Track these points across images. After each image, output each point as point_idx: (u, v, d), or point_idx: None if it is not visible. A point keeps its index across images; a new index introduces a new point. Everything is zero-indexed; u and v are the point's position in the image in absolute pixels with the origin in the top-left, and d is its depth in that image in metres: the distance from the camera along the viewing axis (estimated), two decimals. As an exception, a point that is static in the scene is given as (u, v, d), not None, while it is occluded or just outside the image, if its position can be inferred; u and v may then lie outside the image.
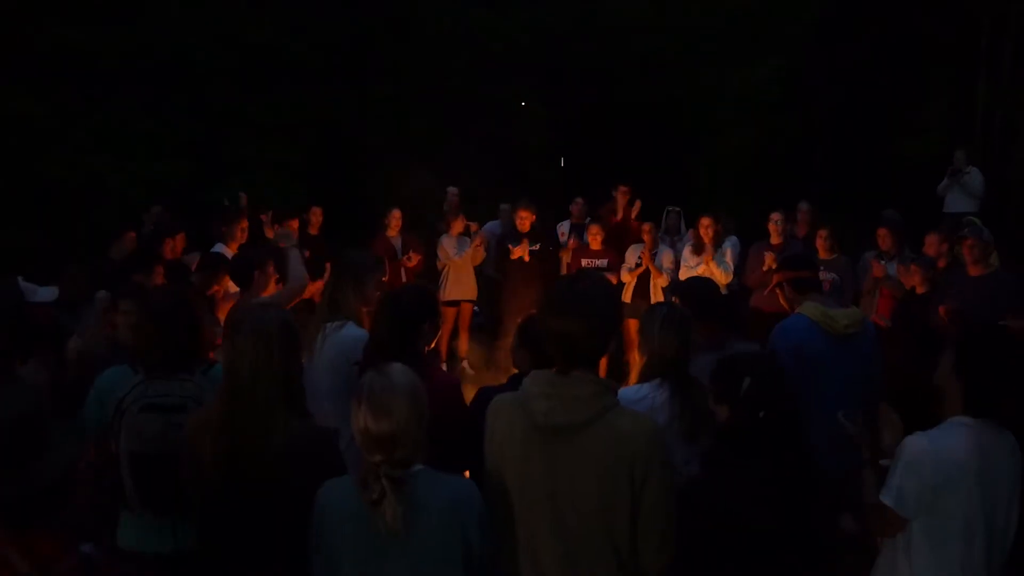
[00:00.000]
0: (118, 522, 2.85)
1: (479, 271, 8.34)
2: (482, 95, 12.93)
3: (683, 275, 7.12)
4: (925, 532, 2.46)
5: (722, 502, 2.30)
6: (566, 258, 7.95)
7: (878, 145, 12.35)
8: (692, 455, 3.00)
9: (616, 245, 7.83)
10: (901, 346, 5.51)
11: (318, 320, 3.56)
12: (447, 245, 7.96)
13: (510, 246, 7.63)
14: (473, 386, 4.16)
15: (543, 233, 7.87)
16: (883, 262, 6.75)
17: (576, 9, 13.85)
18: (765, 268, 6.74)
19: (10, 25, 9.11)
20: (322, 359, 3.40)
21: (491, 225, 9.00)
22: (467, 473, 2.88)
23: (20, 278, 3.88)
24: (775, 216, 7.18)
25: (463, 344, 8.17)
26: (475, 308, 8.38)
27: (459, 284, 7.99)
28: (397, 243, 7.88)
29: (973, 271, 5.53)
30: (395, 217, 7.91)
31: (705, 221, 7.22)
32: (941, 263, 6.35)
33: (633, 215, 8.51)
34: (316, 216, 7.98)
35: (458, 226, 8.00)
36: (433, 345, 3.33)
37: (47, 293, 3.93)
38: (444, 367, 7.82)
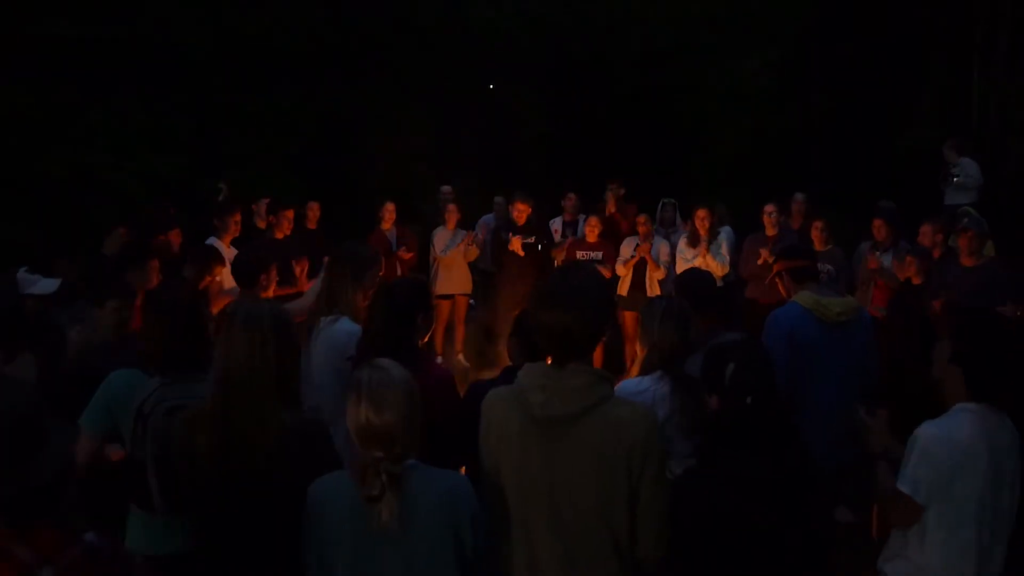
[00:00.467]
0: (123, 524, 2.83)
1: (474, 265, 8.34)
2: (478, 89, 12.91)
3: (679, 267, 7.12)
4: (939, 518, 2.51)
5: (714, 493, 2.29)
6: (560, 256, 7.92)
7: (873, 137, 12.35)
8: (693, 449, 3.00)
9: (611, 238, 7.82)
10: (897, 337, 5.52)
11: (314, 314, 3.55)
12: (437, 241, 7.95)
13: (510, 235, 7.61)
14: (470, 378, 4.17)
15: (539, 226, 7.86)
16: (878, 253, 6.76)
17: (572, 3, 13.81)
18: (760, 262, 6.76)
19: (5, 20, 9.05)
20: (315, 353, 3.39)
21: (486, 218, 9.00)
22: (463, 469, 2.88)
23: (24, 269, 3.84)
24: (769, 208, 7.19)
25: (459, 337, 8.17)
26: (471, 301, 8.38)
27: (451, 278, 7.99)
28: (392, 236, 7.87)
29: (966, 261, 5.56)
30: (389, 210, 7.90)
31: (701, 213, 7.23)
32: (936, 253, 6.37)
33: (628, 219, 8.51)
34: (313, 211, 7.95)
35: (453, 219, 7.99)
36: (427, 338, 3.32)
37: (47, 285, 3.88)
38: (440, 360, 7.83)
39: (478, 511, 2.15)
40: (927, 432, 2.51)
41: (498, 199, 8.94)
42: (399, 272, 7.45)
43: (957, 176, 8.64)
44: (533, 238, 7.64)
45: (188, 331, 2.84)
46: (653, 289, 7.32)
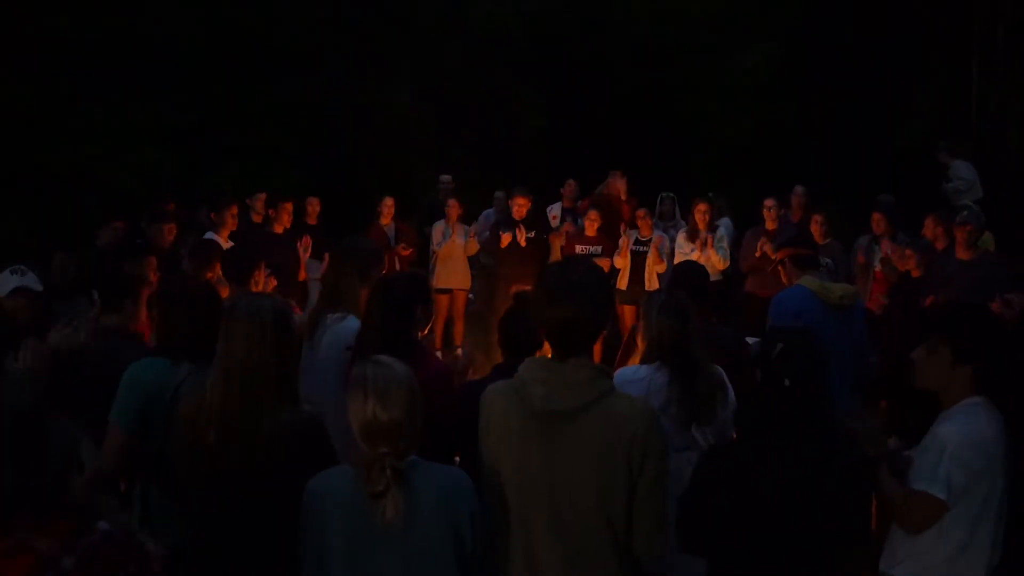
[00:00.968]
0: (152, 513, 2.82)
1: (474, 259, 8.34)
2: (478, 85, 12.89)
3: (677, 261, 7.11)
4: (958, 518, 2.45)
5: (743, 465, 2.34)
6: (558, 242, 7.93)
7: (871, 132, 12.35)
8: (689, 441, 3.00)
9: (610, 232, 7.82)
10: (896, 330, 5.52)
11: (318, 309, 3.53)
12: (434, 233, 7.98)
13: (501, 232, 7.61)
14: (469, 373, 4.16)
15: (538, 220, 7.85)
16: (876, 247, 6.79)
17: None
18: (759, 254, 6.77)
19: (3, 15, 9.03)
20: (321, 350, 3.36)
21: (486, 213, 9.00)
22: (456, 457, 2.89)
23: (8, 270, 3.80)
24: (769, 202, 7.21)
25: (458, 332, 8.17)
26: (470, 296, 8.38)
27: (450, 272, 7.99)
28: (390, 231, 7.87)
29: (963, 255, 5.57)
30: (388, 205, 7.89)
31: (701, 207, 7.23)
32: (939, 245, 6.36)
33: (622, 195, 8.51)
34: (313, 206, 7.93)
35: (454, 213, 7.98)
36: (426, 332, 3.32)
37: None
38: (439, 355, 7.83)
39: (478, 509, 2.14)
40: (955, 433, 2.43)
41: (498, 194, 8.95)
42: (398, 267, 7.45)
43: (950, 182, 8.64)
44: (534, 233, 7.64)
45: (211, 320, 2.82)
46: (652, 283, 7.32)
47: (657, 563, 2.21)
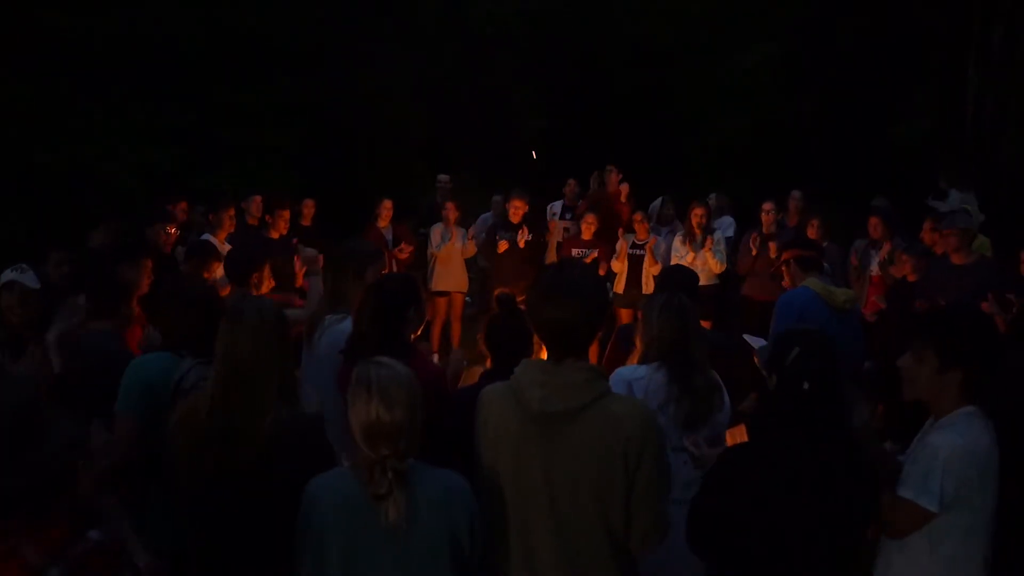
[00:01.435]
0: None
1: (472, 262, 8.34)
2: (476, 82, 12.89)
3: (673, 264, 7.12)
4: (953, 528, 2.41)
5: (759, 471, 2.34)
6: (556, 237, 7.93)
7: (870, 132, 12.36)
8: (687, 441, 3.00)
9: (606, 236, 7.82)
10: (892, 335, 5.52)
11: (318, 313, 3.53)
12: (433, 236, 7.96)
13: (497, 237, 7.61)
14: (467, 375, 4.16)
15: (535, 222, 7.86)
16: (873, 251, 6.79)
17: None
18: (755, 254, 6.79)
19: (2, 13, 9.02)
20: (320, 352, 3.37)
21: (485, 216, 9.00)
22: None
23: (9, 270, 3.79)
24: (767, 206, 7.21)
25: (455, 334, 8.16)
26: (467, 298, 8.38)
27: (448, 275, 7.98)
28: (388, 234, 7.86)
29: (957, 260, 5.55)
30: (386, 207, 7.88)
31: (698, 211, 7.22)
32: (938, 250, 6.35)
33: (623, 197, 8.52)
34: (308, 208, 7.93)
35: (452, 216, 7.98)
36: (419, 334, 3.31)
37: None
38: (436, 358, 7.82)
39: (476, 512, 2.15)
40: (949, 443, 2.37)
41: (496, 198, 8.96)
42: (395, 270, 7.44)
43: (942, 206, 8.66)
44: (531, 235, 7.63)
45: (210, 320, 2.86)
46: (649, 286, 7.31)
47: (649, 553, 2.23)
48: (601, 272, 7.33)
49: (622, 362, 3.38)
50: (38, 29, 9.20)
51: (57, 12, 9.29)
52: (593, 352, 3.01)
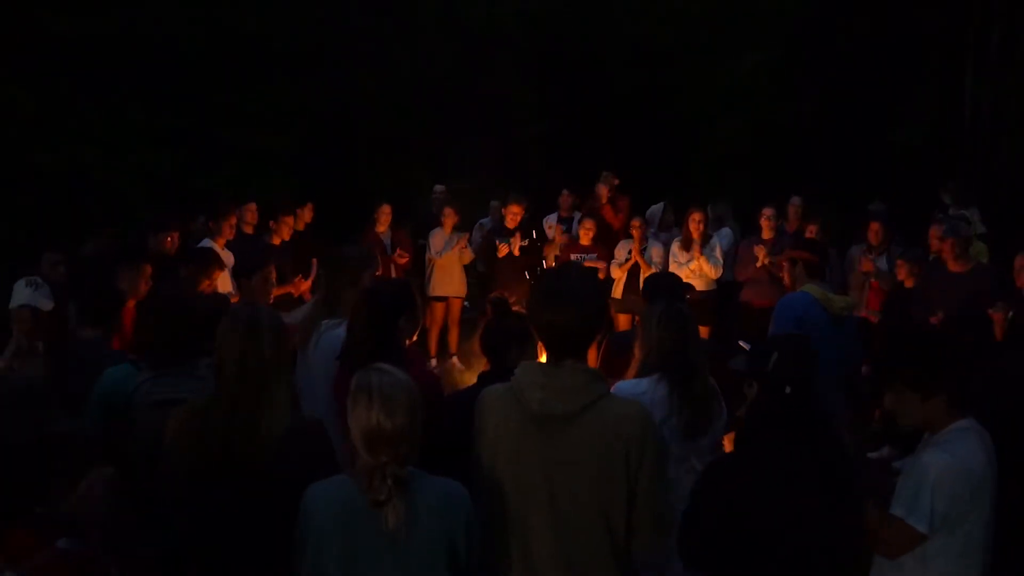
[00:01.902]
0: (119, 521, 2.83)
1: (471, 267, 8.34)
2: (475, 85, 12.89)
3: (671, 270, 7.12)
4: (946, 546, 2.38)
5: (748, 477, 2.33)
6: (552, 252, 7.94)
7: (867, 136, 12.38)
8: (690, 451, 3.01)
9: (605, 241, 7.83)
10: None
11: (313, 318, 3.53)
12: (433, 241, 7.95)
13: (497, 242, 7.62)
14: (465, 380, 4.17)
15: (532, 227, 7.87)
16: (872, 256, 6.80)
17: (569, 2, 13.81)
18: (759, 264, 6.79)
19: (1, 15, 9.03)
20: (316, 358, 3.36)
21: (483, 221, 9.00)
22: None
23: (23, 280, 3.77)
24: (767, 211, 7.21)
25: (453, 340, 8.17)
26: (465, 303, 8.38)
27: (446, 280, 7.99)
28: (386, 239, 7.86)
29: (955, 267, 5.56)
30: (384, 212, 7.88)
31: (696, 216, 7.21)
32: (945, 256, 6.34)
33: (620, 213, 8.50)
34: (306, 212, 7.91)
35: (450, 221, 7.99)
36: (415, 339, 3.33)
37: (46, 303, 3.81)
38: (434, 363, 7.83)
39: (474, 519, 2.16)
40: (940, 462, 2.35)
41: (494, 203, 8.97)
42: (393, 275, 7.45)
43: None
44: (527, 241, 7.65)
45: (177, 327, 2.91)
46: (647, 291, 7.31)
47: (655, 566, 2.23)
48: (600, 277, 7.34)
49: (612, 371, 3.39)
50: (37, 31, 9.21)
51: (57, 14, 9.29)
52: (592, 356, 3.02)
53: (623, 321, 7.28)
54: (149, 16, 10.03)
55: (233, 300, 5.37)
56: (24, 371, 3.27)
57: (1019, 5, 11.48)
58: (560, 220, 8.55)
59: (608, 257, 7.64)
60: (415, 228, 8.57)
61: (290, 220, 7.08)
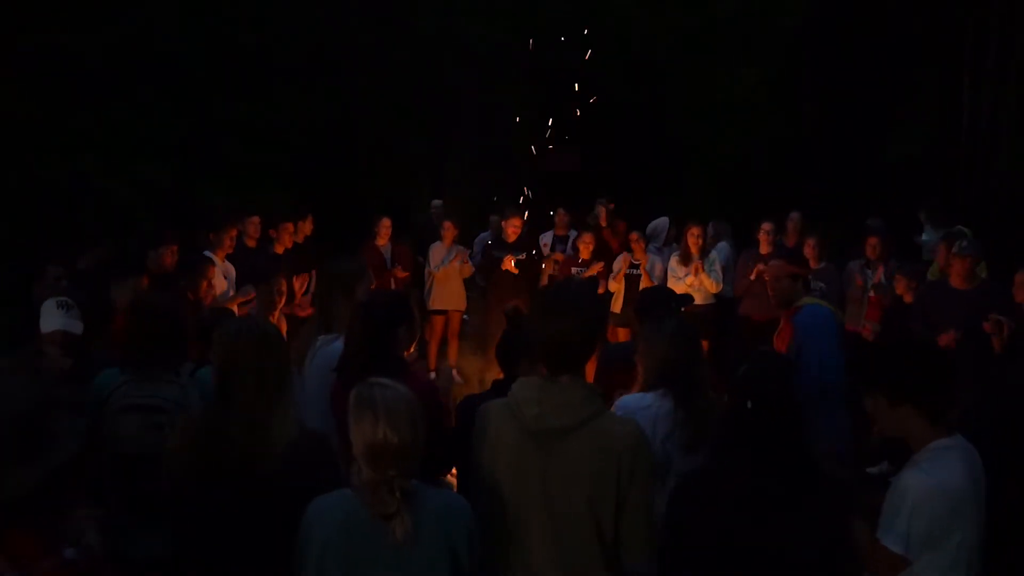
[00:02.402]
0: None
1: (470, 281, 8.34)
2: (474, 103, 12.94)
3: (672, 286, 7.13)
4: (932, 567, 2.36)
5: (708, 495, 2.33)
6: (548, 269, 7.94)
7: (865, 149, 12.44)
8: (692, 465, 3.01)
9: (601, 256, 7.84)
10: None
11: (310, 332, 3.54)
12: (432, 255, 7.97)
13: (494, 254, 7.62)
14: (464, 392, 4.18)
15: (531, 241, 7.88)
16: (869, 272, 6.83)
17: (567, 18, 13.87)
18: (753, 277, 6.80)
19: (-1, 27, 9.07)
20: (311, 373, 3.36)
21: (482, 236, 9.01)
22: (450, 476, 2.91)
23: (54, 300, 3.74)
24: (766, 226, 7.23)
25: (452, 353, 8.17)
26: (464, 317, 8.39)
27: (446, 293, 8.00)
28: (386, 252, 7.86)
29: (958, 284, 5.47)
30: (384, 226, 7.89)
31: (694, 231, 7.23)
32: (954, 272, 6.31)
33: (617, 237, 8.50)
34: (306, 225, 7.91)
35: (450, 235, 8.00)
36: (412, 350, 3.34)
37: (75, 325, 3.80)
38: (433, 375, 7.82)
39: (475, 529, 2.17)
40: (917, 483, 2.33)
41: (493, 218, 8.99)
42: (394, 288, 7.46)
43: (920, 240, 8.88)
44: (524, 255, 7.66)
45: (156, 332, 2.96)
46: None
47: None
48: (599, 291, 7.35)
49: (609, 382, 3.39)
50: (36, 44, 9.25)
51: (57, 26, 9.33)
52: (589, 369, 3.04)
53: (623, 335, 7.28)
54: (149, 28, 10.08)
55: (239, 311, 5.45)
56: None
57: (1015, 18, 11.56)
58: (556, 239, 8.55)
59: (607, 271, 7.65)
60: (415, 242, 8.58)
61: (290, 227, 7.08)
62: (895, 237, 7.65)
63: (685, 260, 7.26)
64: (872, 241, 6.97)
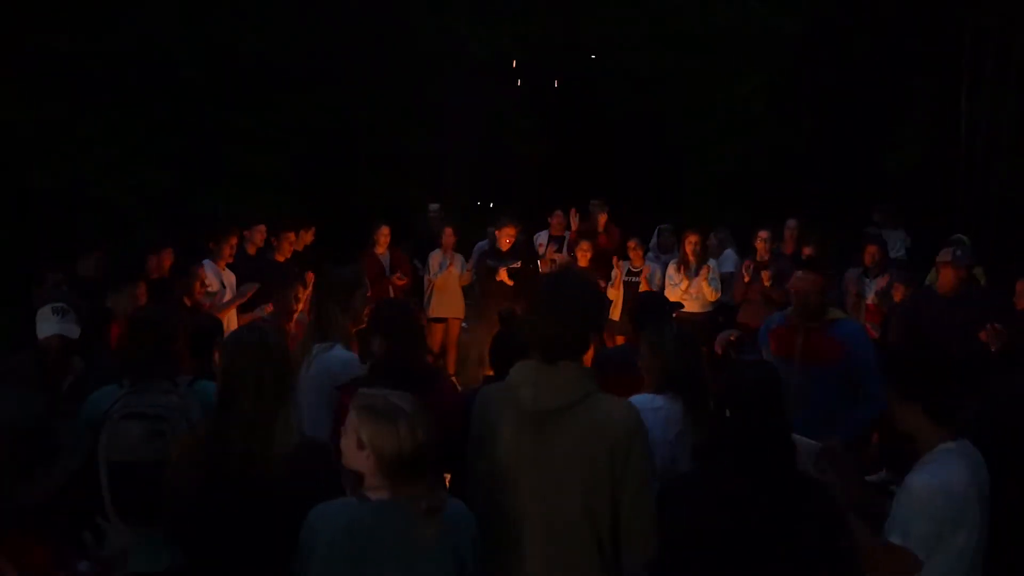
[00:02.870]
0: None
1: (469, 288, 8.35)
2: (473, 110, 12.96)
3: (669, 293, 7.14)
4: (934, 569, 2.38)
5: (687, 502, 2.37)
6: (545, 268, 7.94)
7: (861, 160, 12.47)
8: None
9: (601, 264, 7.83)
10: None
11: (307, 341, 3.54)
12: (431, 262, 7.97)
13: (489, 263, 7.62)
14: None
15: (524, 250, 7.87)
16: (866, 279, 6.85)
17: (566, 28, 13.92)
18: (747, 280, 6.81)
19: (-1, 33, 9.10)
20: (307, 383, 3.35)
21: (481, 244, 9.01)
22: (447, 477, 2.93)
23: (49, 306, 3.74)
24: (763, 234, 7.24)
25: (451, 360, 8.15)
26: (463, 324, 8.38)
27: (446, 301, 7.99)
28: (385, 260, 7.86)
29: (945, 290, 5.45)
30: (383, 234, 7.89)
31: (692, 238, 7.23)
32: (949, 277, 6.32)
33: (609, 237, 8.51)
34: (308, 235, 7.90)
35: (449, 242, 8.00)
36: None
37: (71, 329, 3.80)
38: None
39: (476, 534, 2.19)
40: (921, 482, 2.39)
41: (490, 229, 8.99)
42: (393, 296, 7.46)
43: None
44: (519, 263, 7.65)
45: (152, 342, 2.99)
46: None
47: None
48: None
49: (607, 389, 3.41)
50: (35, 51, 9.27)
51: (56, 33, 9.36)
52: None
53: (620, 343, 7.27)
54: (148, 36, 10.10)
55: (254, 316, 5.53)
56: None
57: (1012, 29, 11.61)
58: (551, 239, 8.57)
59: (605, 278, 7.65)
60: (413, 248, 8.57)
61: (291, 236, 7.09)
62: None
63: (683, 268, 7.25)
64: (871, 249, 6.99)
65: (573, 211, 8.65)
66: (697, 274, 7.17)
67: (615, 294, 7.56)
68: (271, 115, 11.28)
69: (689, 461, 2.93)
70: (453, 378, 8.07)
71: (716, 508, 2.29)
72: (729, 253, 7.86)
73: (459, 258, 8.03)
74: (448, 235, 8.00)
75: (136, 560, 2.73)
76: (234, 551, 2.35)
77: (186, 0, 10.67)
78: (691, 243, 7.21)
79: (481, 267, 7.84)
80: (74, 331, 3.42)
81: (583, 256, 7.64)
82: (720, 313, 7.44)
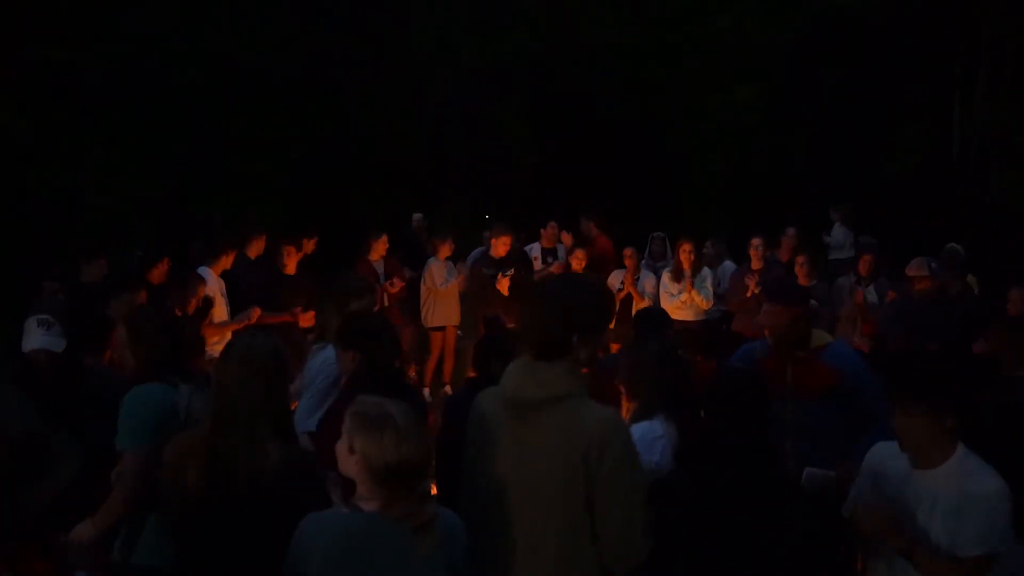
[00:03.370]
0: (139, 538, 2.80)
1: (462, 296, 8.36)
2: (468, 117, 13.02)
3: (663, 301, 7.15)
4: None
5: (669, 495, 2.40)
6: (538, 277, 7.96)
7: (855, 168, 12.53)
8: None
9: (596, 271, 7.86)
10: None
11: (310, 347, 3.68)
12: (436, 272, 7.94)
13: (485, 270, 7.65)
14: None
15: (519, 258, 7.89)
16: (861, 287, 6.86)
17: (561, 36, 13.99)
18: (749, 294, 6.81)
19: (-7, 41, 9.13)
20: (302, 380, 3.54)
21: (476, 252, 9.03)
22: (434, 488, 2.95)
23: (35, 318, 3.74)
24: (756, 241, 7.24)
25: (448, 369, 8.16)
26: (459, 332, 8.39)
27: (443, 310, 8.00)
28: (380, 268, 7.87)
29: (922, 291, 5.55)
30: (381, 242, 7.89)
31: (686, 247, 7.21)
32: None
33: (603, 249, 8.53)
34: (307, 244, 7.90)
35: (445, 250, 8.02)
36: (412, 371, 3.42)
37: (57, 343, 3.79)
38: (427, 391, 7.84)
39: (467, 544, 2.21)
40: (991, 484, 2.34)
41: (486, 234, 9.02)
42: (386, 303, 7.47)
43: (828, 239, 9.98)
44: (512, 270, 7.67)
45: (177, 343, 3.03)
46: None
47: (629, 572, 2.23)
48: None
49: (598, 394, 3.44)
50: (33, 61, 9.30)
51: (52, 43, 9.39)
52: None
53: (615, 350, 7.28)
54: (147, 43, 10.14)
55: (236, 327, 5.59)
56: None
57: (1006, 38, 11.69)
58: (544, 251, 8.59)
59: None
60: (403, 256, 8.58)
61: (291, 250, 7.10)
62: (888, 254, 7.72)
63: (677, 276, 7.26)
64: (866, 258, 7.01)
65: (565, 234, 8.71)
66: (693, 283, 7.16)
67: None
68: (269, 122, 11.32)
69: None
70: (448, 387, 8.08)
71: (695, 511, 2.33)
72: (728, 264, 7.88)
73: (449, 265, 8.05)
74: (447, 246, 8.02)
75: (139, 553, 2.75)
76: (224, 557, 2.36)
77: (185, 7, 10.72)
78: (685, 251, 7.21)
79: (476, 274, 7.85)
80: (59, 344, 3.37)
81: (577, 263, 7.66)
82: (724, 321, 7.46)
